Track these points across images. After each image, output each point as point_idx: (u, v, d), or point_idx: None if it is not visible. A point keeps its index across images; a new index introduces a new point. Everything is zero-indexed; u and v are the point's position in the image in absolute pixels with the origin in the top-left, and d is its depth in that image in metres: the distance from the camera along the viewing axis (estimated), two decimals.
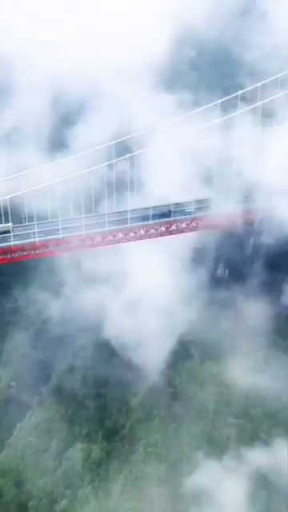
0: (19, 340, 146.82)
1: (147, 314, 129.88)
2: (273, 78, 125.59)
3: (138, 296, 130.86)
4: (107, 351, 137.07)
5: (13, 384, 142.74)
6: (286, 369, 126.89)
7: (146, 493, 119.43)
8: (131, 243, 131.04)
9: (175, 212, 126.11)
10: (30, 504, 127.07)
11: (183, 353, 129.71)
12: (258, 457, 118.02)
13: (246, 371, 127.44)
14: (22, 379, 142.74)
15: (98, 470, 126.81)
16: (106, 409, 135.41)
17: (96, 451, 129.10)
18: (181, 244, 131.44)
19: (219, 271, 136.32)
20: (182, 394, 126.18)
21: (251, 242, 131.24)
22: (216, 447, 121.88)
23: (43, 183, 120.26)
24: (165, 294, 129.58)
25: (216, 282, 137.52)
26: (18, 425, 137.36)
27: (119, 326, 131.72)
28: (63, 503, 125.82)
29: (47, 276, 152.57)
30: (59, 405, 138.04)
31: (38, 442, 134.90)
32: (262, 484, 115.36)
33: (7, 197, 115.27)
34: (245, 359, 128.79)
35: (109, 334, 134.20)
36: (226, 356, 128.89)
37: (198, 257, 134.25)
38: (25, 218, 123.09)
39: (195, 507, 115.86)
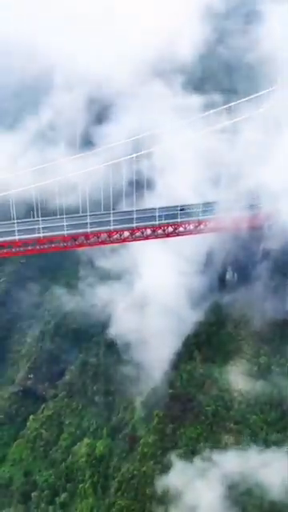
0: (40, 333, 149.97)
1: (155, 314, 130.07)
2: None
3: (147, 296, 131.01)
4: (118, 348, 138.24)
5: (31, 376, 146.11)
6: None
7: (140, 492, 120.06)
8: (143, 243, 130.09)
9: (182, 214, 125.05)
10: (33, 494, 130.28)
11: (186, 354, 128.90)
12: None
13: (248, 376, 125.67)
14: (39, 372, 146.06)
15: (99, 465, 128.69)
16: (114, 406, 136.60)
17: (100, 447, 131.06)
18: (192, 246, 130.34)
19: (228, 275, 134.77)
20: (181, 396, 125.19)
21: (261, 246, 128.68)
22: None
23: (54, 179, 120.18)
24: (173, 295, 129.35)
25: (224, 286, 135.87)
26: (31, 416, 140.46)
27: (127, 325, 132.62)
28: (63, 496, 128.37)
29: (70, 272, 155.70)
30: (71, 399, 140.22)
31: (49, 434, 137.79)
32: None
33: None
34: (248, 364, 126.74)
35: (116, 332, 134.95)
36: (229, 360, 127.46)
37: (207, 259, 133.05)
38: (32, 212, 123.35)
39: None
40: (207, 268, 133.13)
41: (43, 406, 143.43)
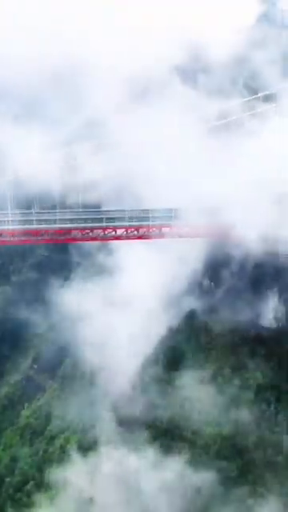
0: (49, 325, 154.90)
1: (129, 314, 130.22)
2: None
3: (124, 296, 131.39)
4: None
5: (35, 366, 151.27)
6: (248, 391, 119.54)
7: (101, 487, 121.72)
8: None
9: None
10: (6, 480, 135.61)
11: (153, 358, 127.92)
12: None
13: (209, 387, 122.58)
14: (42, 362, 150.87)
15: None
16: (97, 402, 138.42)
17: (71, 442, 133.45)
18: (174, 249, 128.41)
19: (205, 282, 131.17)
20: (140, 399, 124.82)
21: (237, 255, 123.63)
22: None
23: None
24: (150, 298, 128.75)
25: (201, 292, 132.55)
26: (25, 405, 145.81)
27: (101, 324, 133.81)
28: (31, 485, 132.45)
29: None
30: (62, 392, 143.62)
31: (37, 424, 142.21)
32: None
33: None
34: (212, 375, 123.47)
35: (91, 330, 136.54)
36: (193, 368, 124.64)
37: (185, 266, 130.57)
38: None
39: None
40: (185, 273, 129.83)
41: (38, 395, 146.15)
